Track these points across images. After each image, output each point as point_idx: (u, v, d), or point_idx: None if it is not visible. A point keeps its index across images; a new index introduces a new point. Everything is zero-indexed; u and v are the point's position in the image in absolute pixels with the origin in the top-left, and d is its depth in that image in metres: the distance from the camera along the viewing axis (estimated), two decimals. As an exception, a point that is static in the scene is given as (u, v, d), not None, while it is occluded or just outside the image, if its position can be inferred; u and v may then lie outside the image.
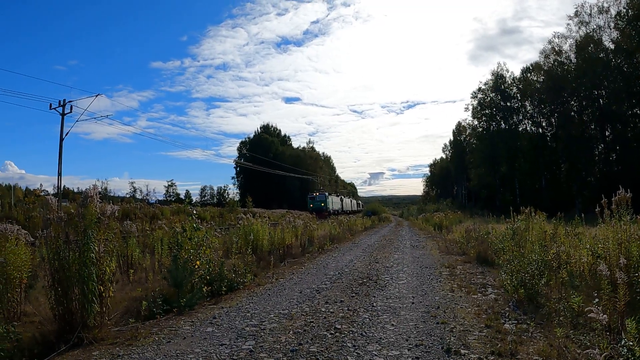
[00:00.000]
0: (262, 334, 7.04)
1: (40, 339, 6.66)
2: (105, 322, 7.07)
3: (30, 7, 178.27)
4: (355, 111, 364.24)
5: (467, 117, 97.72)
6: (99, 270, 6.83)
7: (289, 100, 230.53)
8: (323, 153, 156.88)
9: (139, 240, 13.56)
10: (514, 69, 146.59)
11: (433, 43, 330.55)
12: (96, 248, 6.81)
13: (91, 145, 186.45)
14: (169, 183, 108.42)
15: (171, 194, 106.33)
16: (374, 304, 8.93)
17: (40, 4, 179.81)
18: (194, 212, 10.52)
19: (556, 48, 69.51)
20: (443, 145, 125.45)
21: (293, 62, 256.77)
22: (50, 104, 38.04)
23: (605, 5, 61.68)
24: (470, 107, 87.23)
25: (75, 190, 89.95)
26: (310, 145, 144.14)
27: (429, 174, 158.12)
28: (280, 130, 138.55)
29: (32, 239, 9.03)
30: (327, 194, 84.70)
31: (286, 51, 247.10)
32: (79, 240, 6.86)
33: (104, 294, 6.93)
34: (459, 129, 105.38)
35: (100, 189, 6.87)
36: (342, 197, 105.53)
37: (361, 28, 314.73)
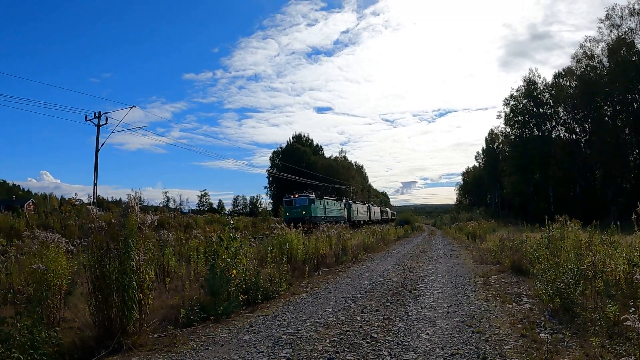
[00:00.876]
0: (299, 342, 7.05)
1: (80, 344, 6.79)
2: (144, 329, 7.17)
3: (64, 21, 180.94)
4: (386, 120, 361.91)
5: (499, 124, 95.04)
6: (138, 278, 6.94)
7: (320, 110, 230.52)
8: (355, 162, 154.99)
9: (174, 249, 13.68)
10: (546, 74, 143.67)
11: (463, 50, 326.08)
12: (136, 257, 6.92)
13: (125, 156, 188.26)
14: (202, 193, 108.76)
15: (204, 203, 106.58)
16: (409, 313, 8.89)
17: (73, 18, 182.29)
18: (231, 221, 10.56)
19: (588, 52, 68.76)
20: (476, 154, 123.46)
21: (324, 72, 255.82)
22: (86, 116, 38.96)
23: (637, 7, 60.81)
24: (503, 115, 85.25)
25: (109, 199, 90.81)
26: (343, 154, 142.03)
27: (462, 182, 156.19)
28: (312, 140, 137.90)
29: (70, 247, 9.15)
30: (312, 196, 56.26)
31: (317, 61, 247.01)
32: (120, 249, 6.98)
33: (143, 302, 7.04)
34: (492, 137, 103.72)
35: (133, 199, 6.96)
36: (371, 205, 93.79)
37: (391, 37, 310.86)
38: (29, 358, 5.54)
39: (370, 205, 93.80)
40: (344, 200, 76.16)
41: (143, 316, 7.09)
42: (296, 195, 57.34)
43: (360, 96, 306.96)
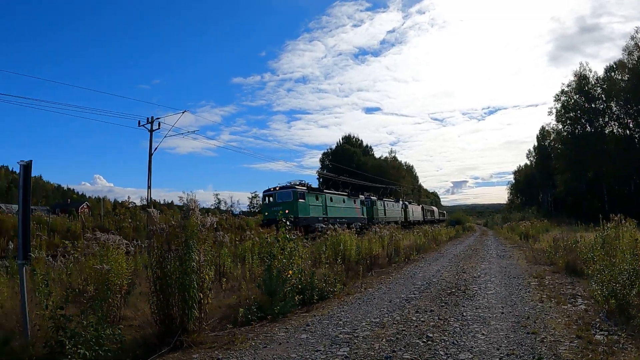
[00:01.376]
0: (355, 341, 7.11)
1: (142, 341, 7.02)
2: (203, 327, 7.34)
3: (110, 28, 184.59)
4: (435, 119, 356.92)
5: (550, 121, 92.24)
6: (199, 278, 7.11)
7: (369, 110, 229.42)
8: (405, 162, 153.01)
9: (229, 250, 13.83)
10: (597, 68, 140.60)
11: (511, 46, 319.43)
12: (196, 257, 7.08)
13: (176, 159, 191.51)
14: (253, 194, 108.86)
15: (255, 205, 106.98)
16: (464, 314, 8.88)
17: (123, 28, 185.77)
18: (287, 223, 10.65)
19: (639, 43, 66.85)
20: (527, 152, 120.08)
21: (371, 72, 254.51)
22: (139, 122, 39.51)
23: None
24: (554, 111, 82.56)
25: (161, 202, 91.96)
26: (392, 154, 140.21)
27: (513, 181, 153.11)
28: (362, 141, 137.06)
29: (130, 248, 9.39)
30: (303, 189, 41.90)
31: (364, 62, 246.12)
32: (180, 250, 7.18)
33: (202, 301, 7.22)
34: (543, 134, 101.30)
35: (186, 201, 7.13)
36: (423, 205, 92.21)
37: (438, 35, 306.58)
38: (94, 354, 5.71)
39: (423, 205, 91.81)
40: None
41: (202, 315, 7.26)
42: (277, 188, 41.64)
43: (409, 95, 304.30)
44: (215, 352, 6.70)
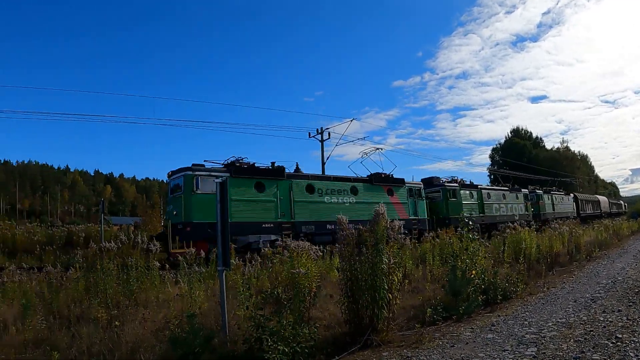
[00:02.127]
0: (542, 341, 7.03)
1: (332, 340, 7.37)
2: (391, 327, 7.55)
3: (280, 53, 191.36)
4: (606, 101, 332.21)
5: None
6: (388, 280, 7.29)
7: (534, 99, 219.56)
8: (579, 152, 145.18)
9: (410, 251, 13.99)
10: None
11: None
12: (386, 260, 7.29)
13: (345, 165, 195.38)
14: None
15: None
16: (655, 314, 8.49)
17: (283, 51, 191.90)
18: (470, 223, 10.64)
19: None
20: None
21: (532, 59, 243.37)
22: (309, 133, 41.06)
23: None
24: None
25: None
26: (565, 144, 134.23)
27: None
28: (530, 133, 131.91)
29: (319, 254, 9.81)
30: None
31: (523, 49, 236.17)
32: (370, 252, 7.45)
33: (391, 301, 7.42)
34: None
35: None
36: (599, 197, 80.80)
37: (596, 9, 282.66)
38: (290, 350, 6.05)
39: (598, 197, 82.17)
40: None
41: (391, 315, 7.50)
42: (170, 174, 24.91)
43: (574, 79, 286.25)
44: (404, 350, 6.89)
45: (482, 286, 9.96)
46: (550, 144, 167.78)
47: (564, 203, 59.37)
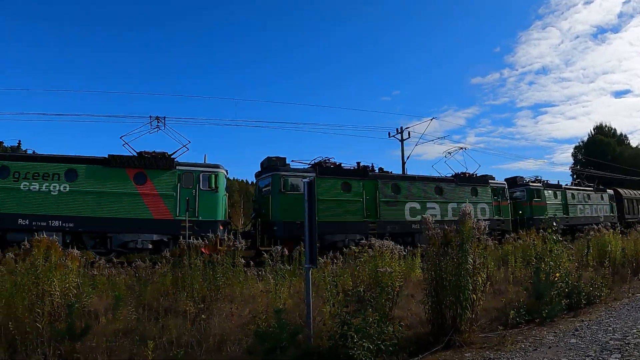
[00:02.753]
0: (627, 348, 6.94)
1: (414, 339, 7.44)
2: (474, 328, 7.56)
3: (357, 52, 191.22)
4: None
5: None
6: (473, 281, 7.31)
7: (618, 94, 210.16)
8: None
9: (492, 253, 13.90)
10: None
11: None
12: (471, 260, 7.32)
13: (425, 165, 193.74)
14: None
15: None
16: None
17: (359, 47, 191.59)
18: (554, 224, 10.53)
19: None
20: None
21: (614, 51, 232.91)
22: (389, 133, 41.15)
23: None
24: None
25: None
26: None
27: None
28: (615, 130, 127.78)
29: (403, 253, 9.90)
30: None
31: (604, 41, 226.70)
32: (455, 252, 7.52)
33: (475, 302, 7.43)
34: None
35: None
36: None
37: None
38: (375, 348, 6.16)
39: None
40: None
41: (474, 316, 7.51)
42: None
43: None
44: (486, 352, 6.93)
45: (566, 290, 9.81)
46: (636, 140, 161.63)
47: (593, 203, 43.01)
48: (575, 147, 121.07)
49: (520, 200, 35.01)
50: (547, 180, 37.57)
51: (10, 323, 7.37)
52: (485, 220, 23.28)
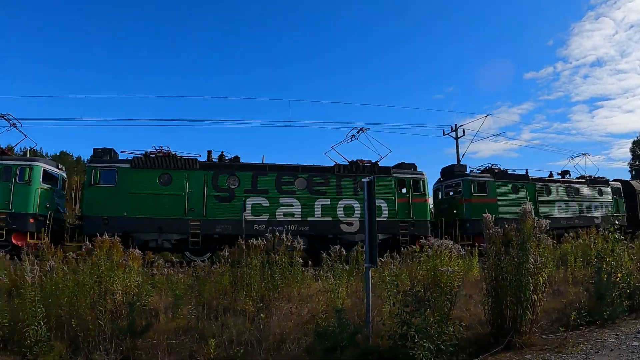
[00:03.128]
0: (691, 351, 6.80)
1: (473, 340, 7.43)
2: (534, 330, 7.48)
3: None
4: None
5: None
6: (534, 281, 7.24)
7: None
8: None
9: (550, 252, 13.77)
10: None
11: None
12: (532, 259, 7.25)
13: (479, 162, 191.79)
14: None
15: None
16: None
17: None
18: (616, 222, 10.40)
19: None
20: None
21: None
22: (443, 131, 40.92)
23: None
24: None
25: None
26: None
27: None
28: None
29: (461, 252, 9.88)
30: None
31: None
32: (516, 252, 7.46)
33: (535, 303, 7.37)
34: None
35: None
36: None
37: None
38: (435, 348, 6.17)
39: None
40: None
41: (534, 317, 7.42)
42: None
43: None
44: (547, 354, 6.87)
45: (628, 290, 9.61)
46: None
47: (584, 199, 32.68)
48: (634, 142, 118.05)
49: (456, 197, 28.69)
50: (504, 170, 30.07)
51: (73, 320, 7.65)
52: (381, 220, 22.21)
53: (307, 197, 23.81)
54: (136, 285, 8.97)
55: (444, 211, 28.50)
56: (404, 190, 25.68)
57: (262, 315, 8.26)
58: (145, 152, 23.37)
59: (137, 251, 9.31)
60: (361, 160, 25.66)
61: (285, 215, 23.31)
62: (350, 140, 27.44)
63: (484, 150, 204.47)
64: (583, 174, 33.01)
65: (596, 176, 31.63)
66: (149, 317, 8.52)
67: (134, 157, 22.91)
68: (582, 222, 29.75)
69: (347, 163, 25.46)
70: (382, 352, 6.62)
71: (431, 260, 8.93)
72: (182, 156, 23.54)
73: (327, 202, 23.98)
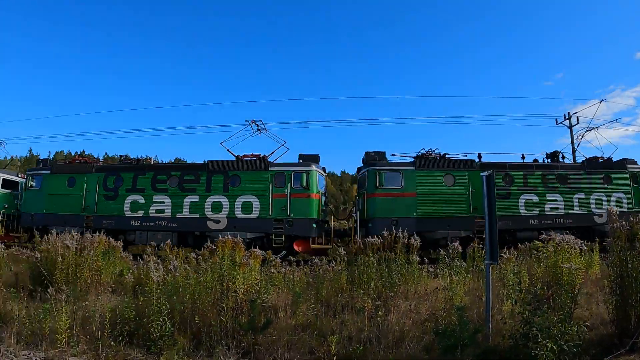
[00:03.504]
0: None
1: (595, 340, 7.22)
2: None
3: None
4: None
5: None
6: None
7: None
8: None
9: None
10: None
11: None
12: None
13: (593, 152, 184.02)
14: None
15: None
16: None
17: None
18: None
19: None
20: None
21: None
22: (556, 120, 39.44)
23: None
24: None
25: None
26: None
27: None
28: None
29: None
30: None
31: None
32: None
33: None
34: None
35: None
36: None
37: None
38: (557, 348, 6.11)
39: None
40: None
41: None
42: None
43: None
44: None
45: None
46: None
47: (573, 191, 24.29)
48: None
49: (361, 191, 25.05)
50: (443, 155, 24.52)
51: (195, 317, 8.04)
52: (250, 218, 22.81)
53: (177, 195, 24.79)
54: (256, 283, 9.29)
55: (361, 208, 24.66)
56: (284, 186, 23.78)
57: (379, 313, 8.38)
58: (64, 160, 30.04)
59: (258, 251, 9.62)
60: (246, 155, 24.94)
61: (157, 211, 24.89)
62: None
63: (597, 138, 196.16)
64: None
65: (608, 157, 25.14)
66: (268, 314, 8.80)
67: (54, 165, 28.73)
68: (571, 221, 23.73)
69: (234, 158, 25.07)
70: (502, 351, 6.60)
71: (553, 257, 8.72)
72: (86, 162, 28.32)
73: (196, 198, 24.57)
